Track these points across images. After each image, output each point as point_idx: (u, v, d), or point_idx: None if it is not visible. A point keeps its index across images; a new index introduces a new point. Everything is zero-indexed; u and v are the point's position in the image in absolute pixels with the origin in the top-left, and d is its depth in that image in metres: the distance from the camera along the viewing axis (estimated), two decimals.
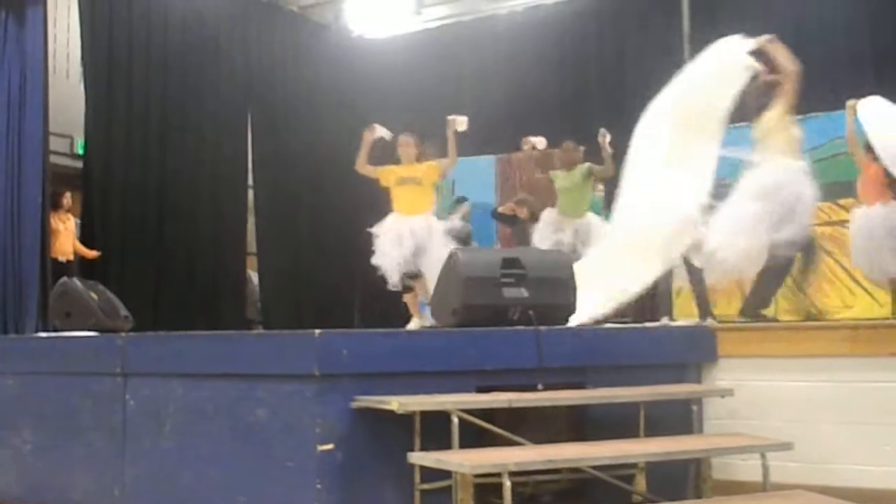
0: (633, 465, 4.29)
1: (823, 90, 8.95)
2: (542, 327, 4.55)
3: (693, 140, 5.71)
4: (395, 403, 3.83)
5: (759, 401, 4.70)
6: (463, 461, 3.63)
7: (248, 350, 4.37)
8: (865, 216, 6.99)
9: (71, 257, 8.97)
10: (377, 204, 7.63)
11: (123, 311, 6.38)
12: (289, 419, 4.05)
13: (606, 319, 5.79)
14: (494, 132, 10.26)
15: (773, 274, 5.65)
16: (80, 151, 9.92)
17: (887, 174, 6.66)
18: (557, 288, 4.98)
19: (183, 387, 4.44)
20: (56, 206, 8.90)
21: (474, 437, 3.99)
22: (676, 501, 4.18)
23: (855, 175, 7.38)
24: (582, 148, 8.11)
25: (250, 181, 11.40)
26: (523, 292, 4.83)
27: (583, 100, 10.80)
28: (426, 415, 3.95)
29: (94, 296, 6.24)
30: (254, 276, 11.57)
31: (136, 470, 4.60)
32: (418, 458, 3.87)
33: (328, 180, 11.21)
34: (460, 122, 7.18)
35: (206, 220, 10.63)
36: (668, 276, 7.32)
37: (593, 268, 5.90)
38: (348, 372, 4.04)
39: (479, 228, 9.72)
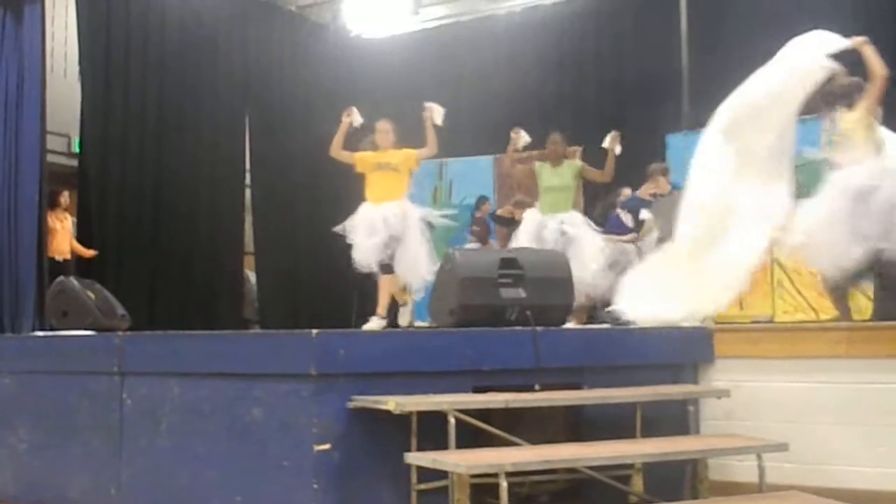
0: (630, 466, 4.30)
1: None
2: (540, 328, 4.56)
3: (766, 147, 5.57)
4: (392, 403, 3.83)
5: (755, 402, 4.70)
6: (459, 461, 3.63)
7: (245, 349, 4.37)
8: None
9: (68, 256, 8.96)
10: None
11: (120, 310, 6.38)
12: (286, 419, 4.04)
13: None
14: (493, 132, 10.27)
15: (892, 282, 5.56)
16: (78, 150, 9.91)
17: None
18: (555, 288, 4.99)
19: (180, 386, 4.44)
20: (53, 204, 8.89)
21: (471, 438, 3.99)
22: (673, 502, 4.19)
23: None
24: (578, 149, 7.89)
25: (248, 180, 11.40)
26: (521, 293, 4.84)
27: (581, 100, 10.82)
28: (423, 415, 3.95)
29: (91, 295, 6.23)
30: (251, 276, 11.57)
31: (132, 469, 4.60)
32: (415, 458, 3.87)
33: (326, 179, 11.20)
34: (437, 113, 6.97)
35: (203, 220, 10.63)
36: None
37: (660, 275, 5.65)
38: (345, 372, 4.04)
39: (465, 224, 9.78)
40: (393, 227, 6.76)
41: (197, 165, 10.62)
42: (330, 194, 11.26)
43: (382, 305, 6.91)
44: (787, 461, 4.28)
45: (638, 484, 4.33)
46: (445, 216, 8.73)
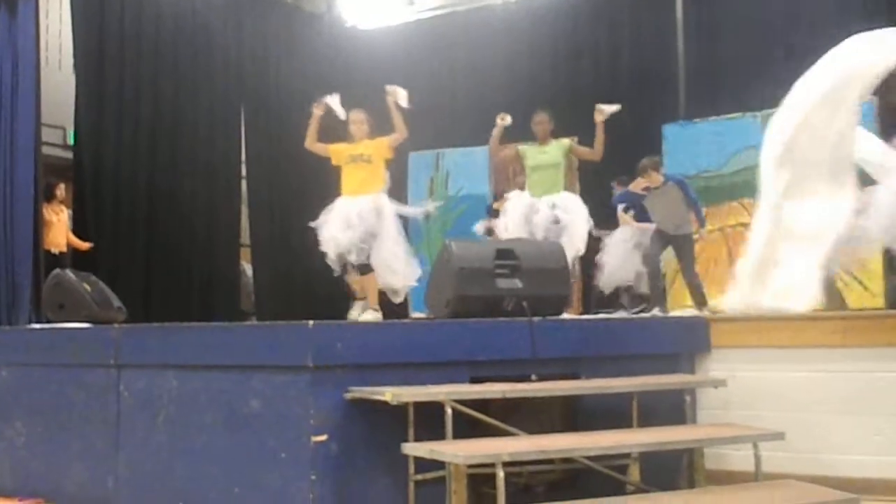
0: (627, 456, 4.31)
1: None
2: (536, 318, 4.56)
3: (825, 160, 5.51)
4: (389, 394, 3.83)
5: (751, 391, 4.72)
6: (457, 452, 3.63)
7: (242, 341, 4.37)
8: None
9: (64, 249, 8.94)
10: None
11: (117, 303, 6.38)
12: (283, 410, 4.05)
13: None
14: (489, 123, 10.24)
15: None
16: (73, 142, 9.89)
17: None
18: (551, 279, 4.99)
19: (177, 378, 4.44)
20: (50, 197, 8.87)
21: (468, 428, 3.99)
22: (670, 491, 4.20)
23: None
24: (574, 139, 7.67)
25: (243, 172, 11.38)
26: (517, 283, 4.84)
27: (577, 90, 10.79)
28: (420, 405, 3.95)
29: (87, 287, 6.23)
30: (247, 268, 11.56)
31: (129, 461, 4.60)
32: (412, 448, 3.88)
33: (322, 171, 11.16)
34: (401, 96, 6.69)
35: (199, 212, 10.60)
36: (659, 265, 7.36)
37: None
38: (342, 363, 4.04)
39: (474, 220, 9.74)
40: (368, 223, 6.52)
41: (193, 157, 10.59)
42: (327, 186, 11.23)
43: (358, 294, 6.74)
44: (783, 450, 4.29)
45: (635, 473, 4.34)
46: (434, 208, 8.52)
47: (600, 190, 9.01)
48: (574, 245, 6.66)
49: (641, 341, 4.90)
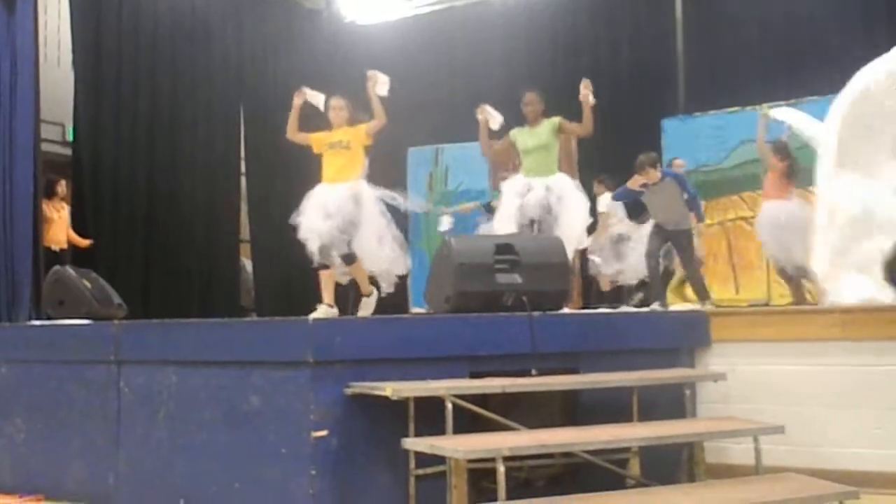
0: (627, 450, 4.31)
1: (815, 75, 8.98)
2: (536, 313, 4.56)
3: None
4: (389, 389, 3.84)
5: (751, 385, 4.72)
6: (457, 446, 3.64)
7: (243, 337, 4.38)
8: (774, 209, 7.39)
9: (65, 246, 8.92)
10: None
11: (117, 299, 6.38)
12: (283, 406, 4.05)
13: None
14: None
15: None
16: (72, 139, 9.88)
17: (788, 174, 7.34)
18: (551, 274, 4.99)
19: (177, 374, 4.45)
20: (51, 194, 8.85)
21: (468, 423, 4.00)
22: (670, 485, 4.20)
23: None
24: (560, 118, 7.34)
25: (243, 168, 11.37)
26: (517, 278, 4.84)
27: (576, 85, 10.70)
28: (420, 400, 3.96)
29: (87, 284, 6.23)
30: (247, 264, 11.56)
31: (130, 458, 4.60)
32: (412, 443, 3.88)
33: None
34: (381, 83, 6.49)
35: (199, 208, 10.60)
36: (658, 261, 7.36)
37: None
38: (342, 358, 4.04)
39: (473, 216, 9.72)
40: (346, 211, 6.29)
41: (192, 154, 10.59)
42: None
43: (329, 294, 6.40)
44: (783, 444, 4.29)
45: (635, 467, 4.35)
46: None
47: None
48: (573, 235, 6.46)
49: (641, 336, 4.90)
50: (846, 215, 5.44)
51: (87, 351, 4.88)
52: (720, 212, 9.37)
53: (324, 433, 3.94)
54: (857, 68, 8.33)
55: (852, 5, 9.48)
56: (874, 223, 5.37)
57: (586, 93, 6.72)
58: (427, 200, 10.59)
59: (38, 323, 6.70)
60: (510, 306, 4.71)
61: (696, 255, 7.53)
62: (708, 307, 6.44)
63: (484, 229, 8.99)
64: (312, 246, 6.32)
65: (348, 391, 4.00)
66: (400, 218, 6.96)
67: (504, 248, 4.94)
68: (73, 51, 9.47)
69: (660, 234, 7.17)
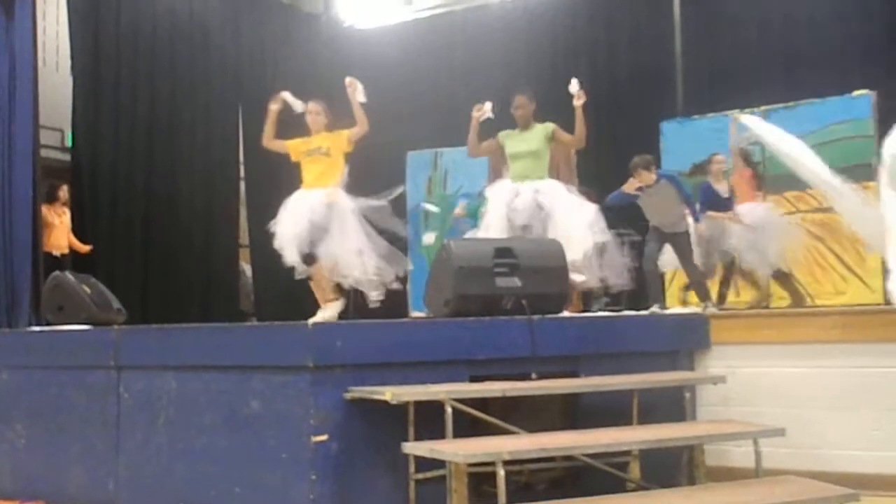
0: (627, 453, 4.31)
1: (814, 78, 9.00)
2: (536, 316, 4.56)
3: None
4: (389, 394, 3.84)
5: (751, 387, 4.72)
6: (457, 450, 3.64)
7: (242, 342, 4.37)
8: (744, 212, 7.64)
9: (66, 251, 8.93)
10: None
11: (116, 304, 6.38)
12: (283, 410, 4.05)
13: None
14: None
15: None
16: (71, 144, 9.88)
17: (754, 179, 7.76)
18: (550, 277, 4.99)
19: (177, 379, 4.45)
20: (52, 199, 8.86)
21: (468, 427, 4.00)
22: (670, 488, 4.20)
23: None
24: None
25: (242, 173, 11.37)
26: (516, 282, 4.83)
27: None
28: (420, 405, 3.96)
29: (86, 289, 6.23)
30: (247, 269, 11.55)
31: (130, 463, 4.60)
32: (412, 447, 3.88)
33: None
34: (359, 90, 6.40)
35: (197, 213, 10.60)
36: (657, 264, 7.35)
37: None
38: (342, 363, 4.04)
39: (473, 219, 9.70)
40: (318, 216, 6.20)
41: (191, 158, 10.60)
42: None
43: (322, 298, 6.38)
44: (783, 446, 4.30)
45: (635, 470, 4.35)
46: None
47: (598, 185, 8.99)
48: (573, 236, 6.25)
49: (641, 338, 4.91)
50: None
51: (87, 356, 4.88)
52: None
53: (324, 438, 3.94)
54: (856, 70, 8.39)
55: (851, 7, 9.48)
56: None
57: (578, 103, 6.38)
58: (426, 203, 10.61)
59: (37, 328, 6.70)
60: (510, 310, 4.71)
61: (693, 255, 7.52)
62: (710, 309, 6.44)
63: (470, 236, 8.95)
64: (288, 256, 6.29)
65: (348, 395, 4.00)
66: (400, 216, 6.94)
67: (503, 251, 4.94)
68: (72, 56, 9.48)
69: (657, 236, 7.17)
